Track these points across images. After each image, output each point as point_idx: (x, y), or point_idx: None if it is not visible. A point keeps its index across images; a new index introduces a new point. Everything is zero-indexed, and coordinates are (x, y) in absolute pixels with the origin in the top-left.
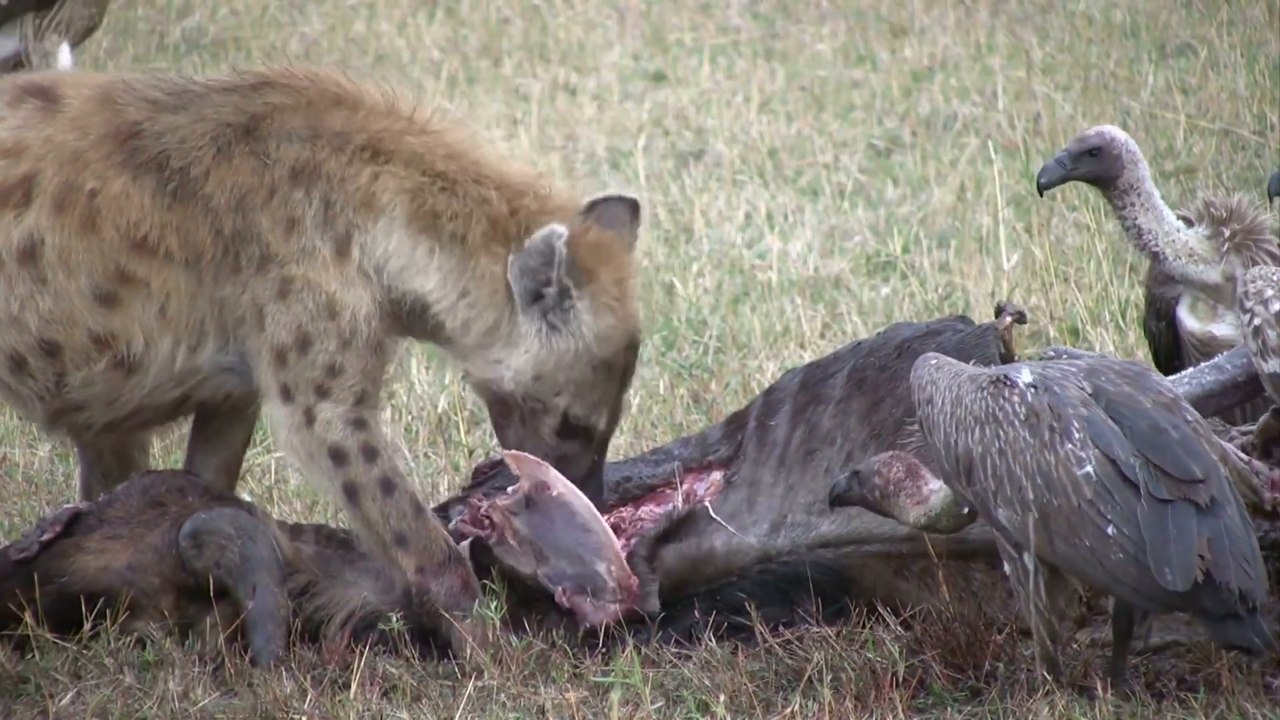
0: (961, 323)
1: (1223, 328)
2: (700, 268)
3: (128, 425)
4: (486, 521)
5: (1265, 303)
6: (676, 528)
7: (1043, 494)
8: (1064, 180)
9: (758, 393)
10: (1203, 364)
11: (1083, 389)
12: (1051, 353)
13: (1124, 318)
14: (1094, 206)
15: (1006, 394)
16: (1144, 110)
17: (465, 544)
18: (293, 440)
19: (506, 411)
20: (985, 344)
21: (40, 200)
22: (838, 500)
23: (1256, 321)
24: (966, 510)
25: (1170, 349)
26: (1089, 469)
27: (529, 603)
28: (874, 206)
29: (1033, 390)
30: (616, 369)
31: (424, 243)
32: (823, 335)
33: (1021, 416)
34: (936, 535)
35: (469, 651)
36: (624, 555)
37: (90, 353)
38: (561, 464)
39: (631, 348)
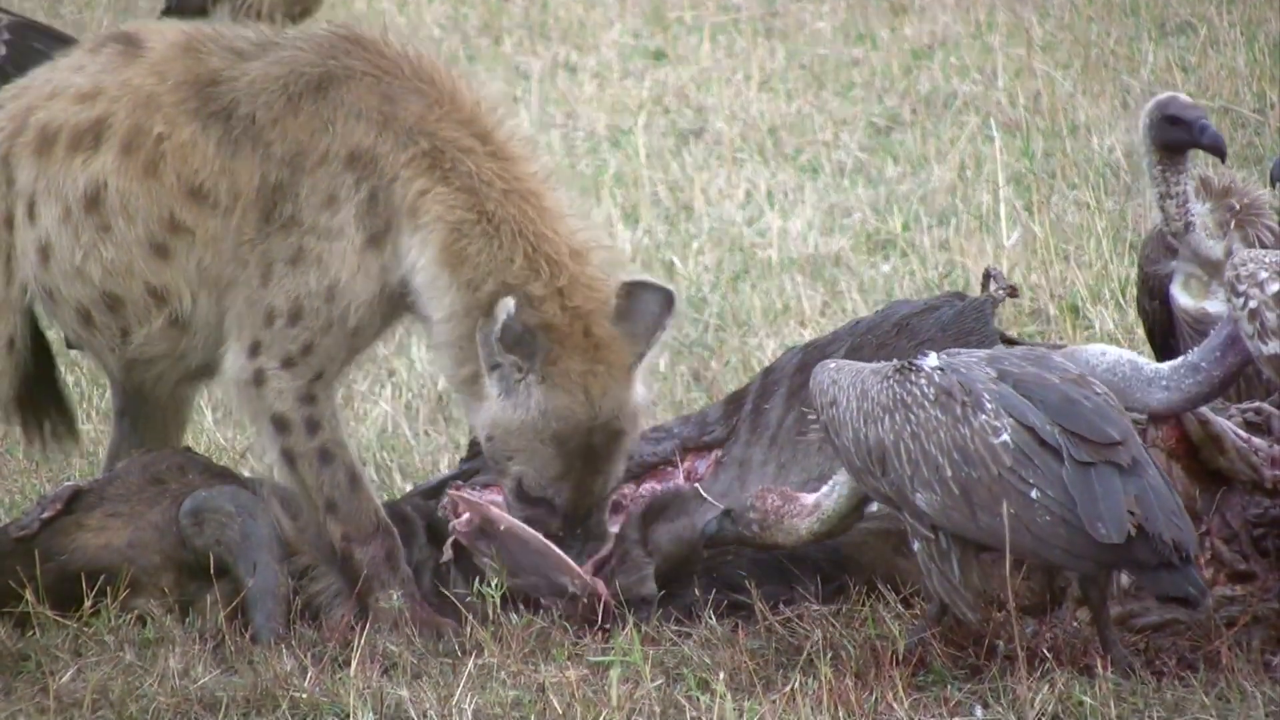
0: (959, 299)
1: (1215, 304)
2: (700, 245)
3: (199, 379)
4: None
5: (1260, 285)
6: (665, 506)
7: (960, 469)
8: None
9: (758, 370)
10: (1176, 364)
11: (988, 373)
12: (944, 355)
13: (1124, 295)
14: (1094, 185)
15: (914, 378)
16: (1144, 88)
17: (449, 543)
18: (240, 394)
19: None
20: (984, 316)
21: (110, 143)
22: (712, 542)
23: (1252, 304)
24: (860, 508)
25: (1165, 327)
26: (1005, 437)
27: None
28: (874, 184)
29: (940, 372)
30: (574, 449)
31: (444, 276)
32: (823, 313)
33: (931, 397)
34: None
35: (379, 613)
36: (612, 537)
37: (150, 308)
38: (530, 524)
39: (601, 432)
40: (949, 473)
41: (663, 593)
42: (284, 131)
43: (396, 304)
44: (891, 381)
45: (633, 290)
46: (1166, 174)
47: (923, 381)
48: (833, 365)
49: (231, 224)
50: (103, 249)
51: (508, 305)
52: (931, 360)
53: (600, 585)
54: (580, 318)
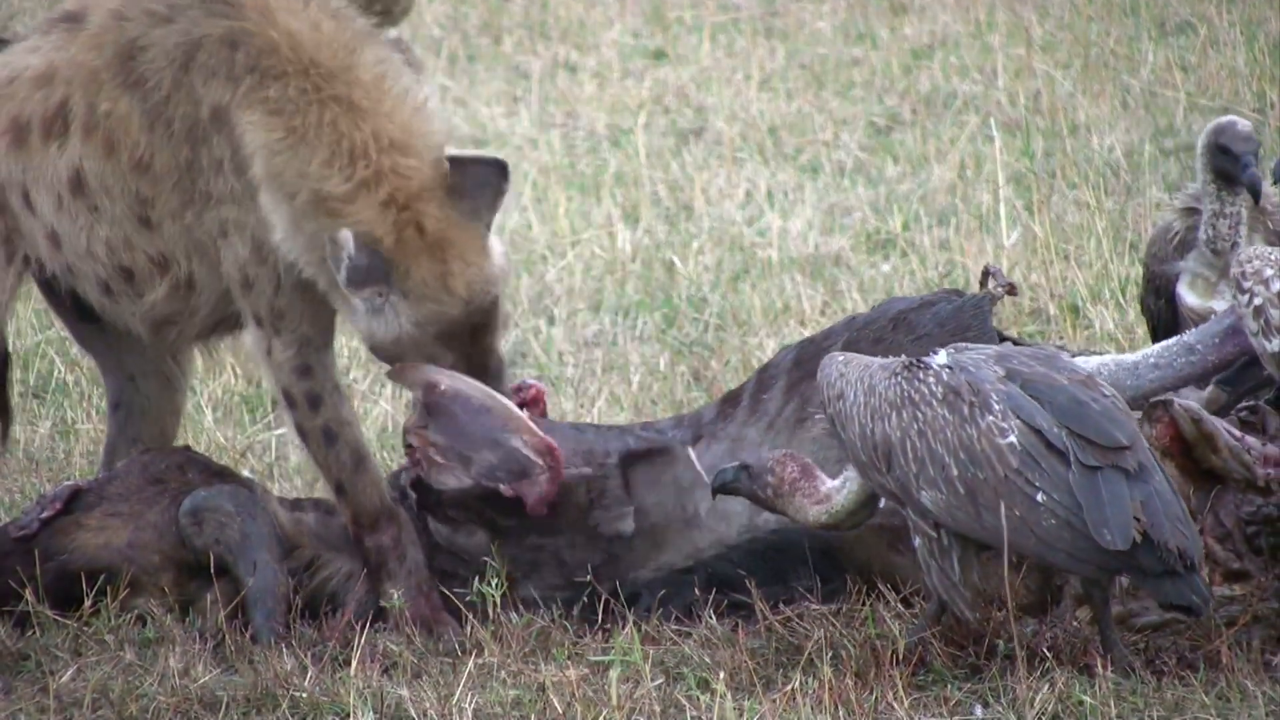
0: (956, 295)
1: (1221, 304)
2: (700, 245)
3: (221, 332)
4: (412, 452)
5: (1265, 282)
6: (647, 452)
7: (967, 469)
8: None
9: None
10: (1170, 343)
11: (996, 371)
12: (953, 349)
13: (1124, 295)
14: (1094, 184)
15: (922, 376)
16: (1144, 88)
17: (408, 476)
18: (262, 365)
19: None
20: (982, 313)
21: (74, 127)
22: (722, 490)
23: (1257, 301)
24: (869, 506)
25: (1169, 326)
26: (1012, 439)
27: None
28: (874, 184)
29: (948, 370)
30: (460, 334)
31: (270, 199)
32: (823, 313)
33: (939, 395)
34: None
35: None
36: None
37: (154, 275)
38: None
39: (477, 311)
40: (955, 472)
41: (663, 591)
42: (176, 106)
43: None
44: (899, 378)
45: (462, 166)
46: (1221, 193)
47: (931, 380)
48: (840, 358)
49: (180, 197)
50: (99, 229)
51: (346, 243)
52: (940, 358)
53: (549, 441)
54: (409, 218)
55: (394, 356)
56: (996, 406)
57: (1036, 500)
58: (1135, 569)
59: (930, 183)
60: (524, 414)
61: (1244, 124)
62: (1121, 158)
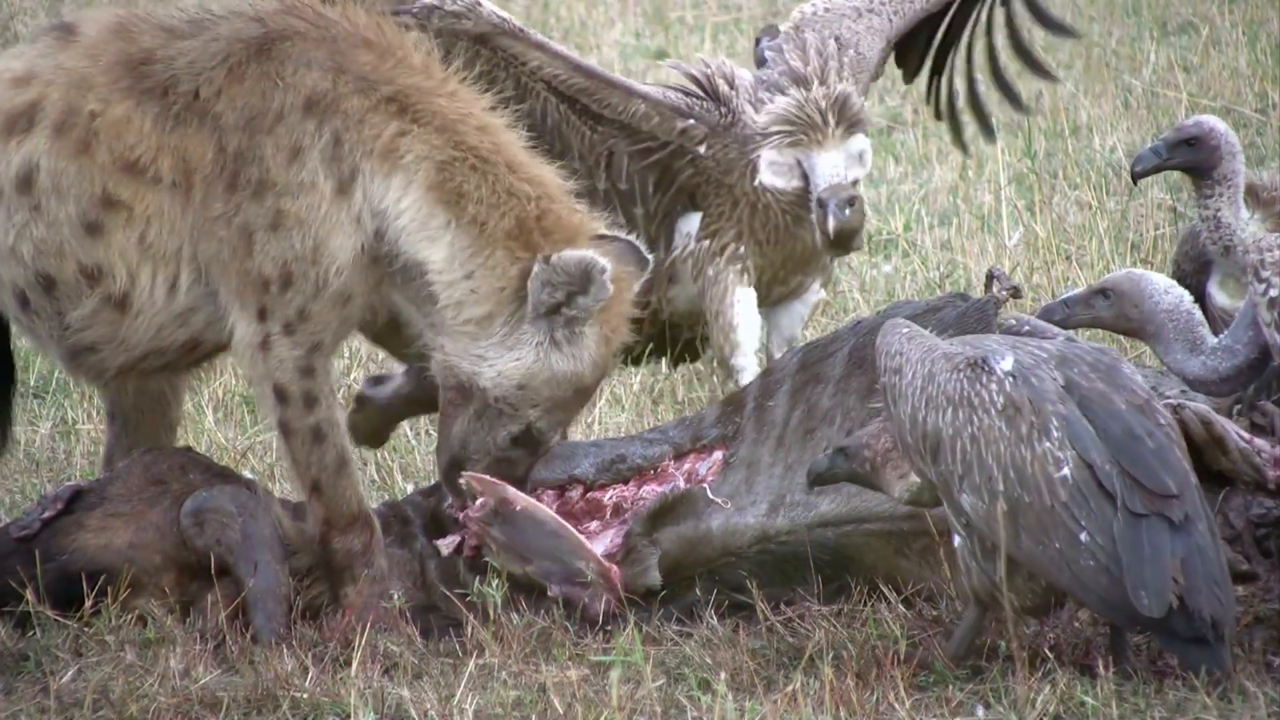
0: (961, 300)
1: None
2: None
3: (143, 368)
4: (467, 529)
5: None
6: (673, 506)
7: (1014, 488)
8: (1159, 169)
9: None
10: (1216, 344)
11: (1055, 380)
12: (1012, 321)
13: None
14: (1095, 185)
15: (984, 380)
16: (1145, 88)
17: (450, 542)
18: (249, 359)
19: (463, 403)
20: (987, 317)
21: (42, 124)
22: (820, 479)
23: (1273, 293)
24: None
25: None
26: (1066, 472)
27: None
28: (875, 184)
29: (1011, 380)
30: (590, 394)
31: (441, 214)
32: (824, 313)
33: (999, 406)
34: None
35: (355, 610)
36: (619, 537)
37: (81, 288)
38: (500, 465)
39: (606, 376)
40: (1001, 488)
41: (664, 592)
42: (232, 100)
43: (379, 264)
44: (961, 376)
45: (608, 242)
46: (1198, 195)
47: (993, 387)
48: (905, 330)
49: (192, 200)
50: (33, 228)
51: (600, 265)
52: (1005, 364)
53: (615, 571)
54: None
55: (536, 400)
56: (1055, 434)
57: (1079, 539)
58: (1165, 631)
59: (932, 183)
60: (591, 547)
61: (1195, 119)
62: (1123, 158)
